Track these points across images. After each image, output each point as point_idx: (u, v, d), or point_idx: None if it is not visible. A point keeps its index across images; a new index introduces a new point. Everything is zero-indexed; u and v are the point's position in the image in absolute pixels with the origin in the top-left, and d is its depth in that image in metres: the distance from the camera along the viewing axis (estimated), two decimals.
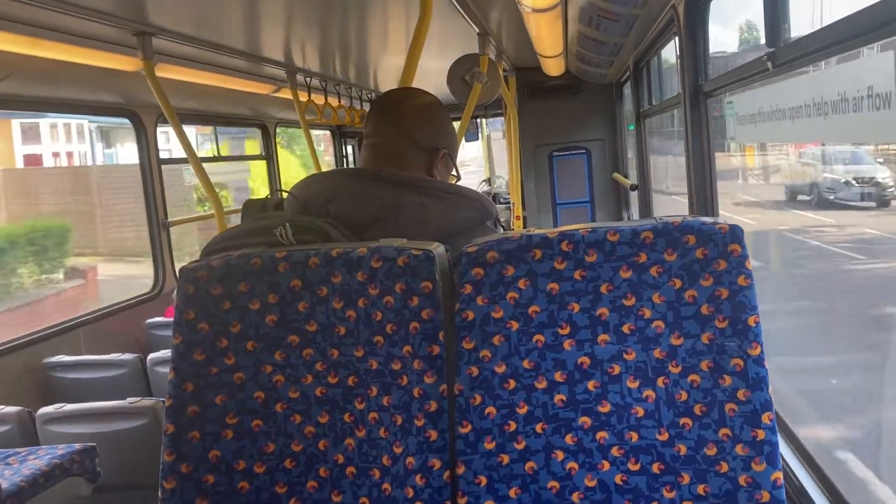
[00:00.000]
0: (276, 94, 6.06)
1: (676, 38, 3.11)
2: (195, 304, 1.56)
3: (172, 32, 3.68)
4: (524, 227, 6.90)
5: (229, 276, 1.55)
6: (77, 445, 2.77)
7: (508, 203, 8.81)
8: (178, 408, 1.54)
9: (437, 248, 1.53)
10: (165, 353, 3.77)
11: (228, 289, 1.55)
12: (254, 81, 5.53)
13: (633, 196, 6.31)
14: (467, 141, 11.52)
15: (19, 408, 3.05)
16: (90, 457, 2.78)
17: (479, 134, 11.52)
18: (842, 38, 1.55)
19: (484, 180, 11.82)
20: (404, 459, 1.49)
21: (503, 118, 7.87)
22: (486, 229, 1.77)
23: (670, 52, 4.17)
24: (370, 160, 1.82)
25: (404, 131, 1.82)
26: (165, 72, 4.24)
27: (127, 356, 3.85)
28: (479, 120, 10.01)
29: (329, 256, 1.52)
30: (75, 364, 3.90)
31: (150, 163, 5.09)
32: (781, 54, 1.89)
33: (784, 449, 2.13)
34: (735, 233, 1.43)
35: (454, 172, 1.95)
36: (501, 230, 1.80)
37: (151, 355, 3.84)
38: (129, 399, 2.93)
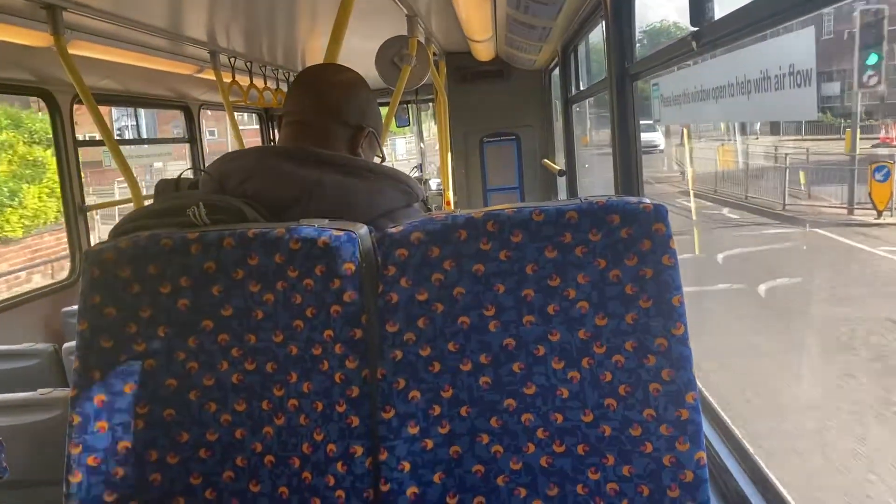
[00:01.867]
0: (200, 75, 5.87)
1: (603, 21, 3.11)
2: (101, 287, 1.47)
3: (84, 6, 3.50)
4: None
5: (138, 258, 1.47)
6: None
7: (440, 189, 8.80)
8: (84, 398, 1.46)
9: (360, 229, 1.48)
10: None
11: (137, 271, 1.47)
12: (175, 61, 5.34)
13: (562, 182, 6.37)
14: (398, 126, 11.45)
15: None
16: None
17: (410, 119, 11.45)
18: (764, 15, 1.56)
19: (415, 166, 11.78)
20: (325, 447, 1.44)
21: (433, 104, 7.84)
22: (412, 212, 1.73)
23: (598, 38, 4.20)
24: (290, 138, 1.76)
25: (328, 108, 1.76)
26: (80, 49, 4.04)
27: (41, 346, 3.68)
28: (408, 105, 9.95)
29: (245, 237, 1.46)
30: None
31: (66, 145, 4.87)
32: (706, 33, 1.90)
33: (707, 429, 2.15)
34: (659, 212, 1.42)
35: (378, 153, 1.90)
36: (427, 211, 1.76)
37: (67, 344, 3.68)
38: (40, 390, 2.79)
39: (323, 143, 1.73)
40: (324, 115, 1.75)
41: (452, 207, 6.65)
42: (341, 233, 1.45)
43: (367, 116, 1.81)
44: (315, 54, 6.02)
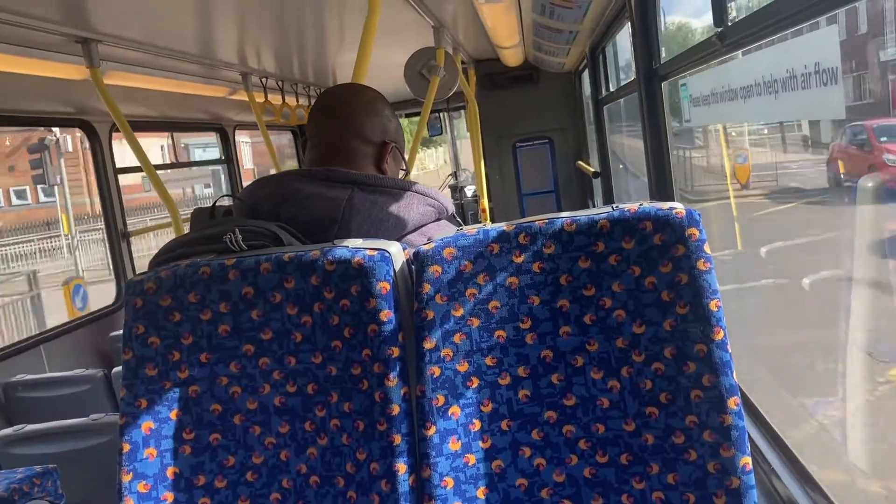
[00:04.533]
0: (233, 97, 5.97)
1: (629, 23, 3.10)
2: (144, 317, 1.51)
3: (118, 38, 3.60)
4: (491, 218, 6.89)
5: (178, 287, 1.50)
6: (37, 468, 2.69)
7: (475, 196, 8.78)
8: (133, 425, 1.50)
9: (393, 247, 1.49)
10: None
11: (178, 300, 1.50)
12: (208, 85, 5.44)
13: (598, 184, 6.33)
14: (430, 136, 11.47)
15: None
16: (51, 479, 2.71)
17: (442, 128, 11.48)
18: (787, 14, 1.54)
19: (450, 174, 11.81)
20: (368, 466, 1.46)
21: (465, 111, 7.86)
22: (442, 226, 1.74)
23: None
24: (317, 160, 1.78)
25: (351, 127, 1.78)
26: (115, 79, 4.15)
27: (91, 372, 3.77)
28: (440, 114, 9.98)
29: (281, 261, 1.48)
30: (37, 382, 3.81)
31: (107, 172, 4.99)
32: (729, 33, 1.89)
33: (753, 433, 2.13)
34: (692, 217, 1.41)
35: (403, 167, 1.92)
36: (459, 226, 1.77)
37: (116, 369, 3.76)
38: (92, 416, 2.86)
39: (349, 162, 1.75)
40: (347, 135, 1.78)
41: (488, 214, 6.65)
42: (375, 252, 1.46)
43: (389, 132, 1.83)
44: (345, 69, 6.07)
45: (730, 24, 1.88)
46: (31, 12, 2.96)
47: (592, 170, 6.20)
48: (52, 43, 3.41)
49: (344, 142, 1.77)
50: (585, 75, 6.28)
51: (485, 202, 6.58)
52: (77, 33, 3.35)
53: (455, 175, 11.76)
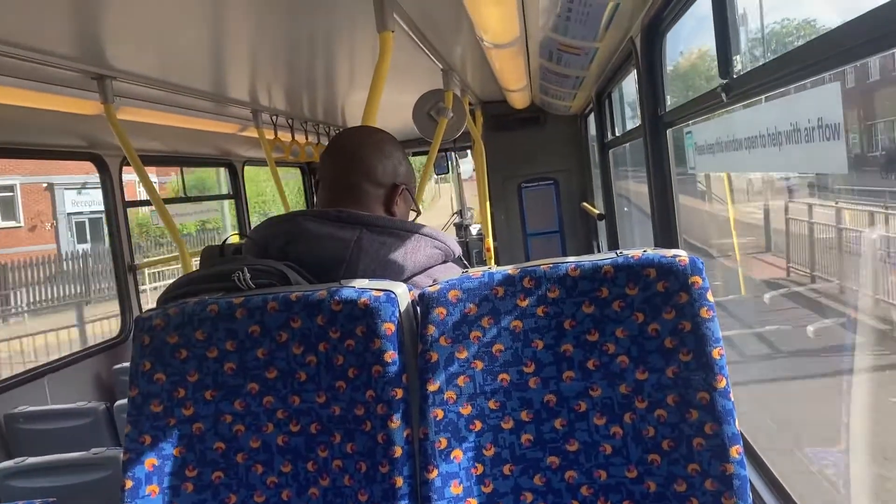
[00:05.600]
0: (243, 133, 6.03)
1: (635, 70, 3.15)
2: (151, 354, 1.52)
3: (132, 75, 3.66)
4: (496, 257, 6.90)
5: (186, 324, 1.52)
6: (37, 501, 2.67)
7: (480, 234, 8.80)
8: (136, 461, 1.50)
9: (399, 289, 1.51)
10: None
11: (185, 337, 1.52)
12: (219, 121, 5.50)
13: (602, 225, 6.36)
14: (437, 174, 11.55)
15: None
16: None
17: (449, 167, 11.55)
18: (790, 69, 1.58)
19: (455, 213, 11.85)
20: None
21: (471, 151, 7.92)
22: (449, 268, 1.76)
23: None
24: (328, 200, 1.81)
25: (362, 169, 1.81)
26: (128, 114, 4.20)
27: (93, 404, 3.76)
28: (448, 153, 10.06)
29: (288, 300, 1.50)
30: (39, 414, 3.80)
31: (116, 206, 5.03)
32: (734, 85, 1.92)
33: (755, 481, 2.11)
34: (695, 265, 1.42)
35: (413, 208, 1.95)
36: (465, 268, 1.78)
37: (119, 402, 3.76)
38: (93, 450, 2.86)
39: (359, 203, 1.78)
40: (358, 177, 1.81)
41: (493, 254, 6.67)
42: (381, 293, 1.47)
43: (400, 174, 1.86)
44: (355, 108, 6.16)
45: (735, 76, 1.91)
46: (50, 49, 3.02)
47: (597, 211, 6.24)
48: (69, 79, 3.47)
49: (354, 183, 1.80)
50: (591, 118, 6.34)
51: (490, 241, 6.61)
52: (93, 70, 3.41)
53: (460, 213, 11.82)
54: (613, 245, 5.64)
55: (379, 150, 1.85)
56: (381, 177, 1.82)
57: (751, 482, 1.45)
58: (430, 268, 1.72)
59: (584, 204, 7.22)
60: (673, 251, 1.46)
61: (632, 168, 5.82)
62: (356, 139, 1.89)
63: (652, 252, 1.46)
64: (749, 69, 1.82)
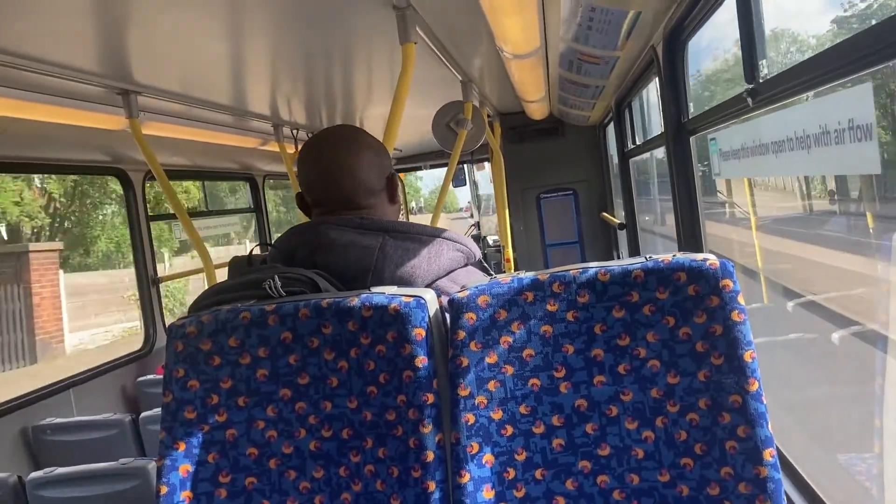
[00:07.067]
0: (264, 148, 6.08)
1: (657, 78, 3.15)
2: (185, 360, 1.54)
3: (157, 90, 3.71)
4: (515, 268, 6.90)
5: (219, 332, 1.53)
6: None
7: (496, 245, 8.81)
8: (170, 468, 1.52)
9: (428, 294, 1.52)
10: (158, 411, 3.72)
11: (218, 344, 1.53)
12: (241, 136, 5.55)
13: (623, 235, 6.34)
14: (455, 186, 11.57)
15: (8, 474, 2.99)
16: None
17: (466, 179, 11.58)
18: (818, 72, 1.57)
19: (473, 224, 11.87)
20: None
21: (489, 162, 7.94)
22: (470, 272, 1.77)
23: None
24: (331, 214, 1.80)
25: (361, 188, 1.76)
26: (152, 129, 4.25)
27: (119, 416, 3.79)
28: (464, 165, 10.08)
29: (319, 307, 1.51)
30: (66, 426, 3.84)
31: (139, 220, 5.09)
32: (760, 90, 1.92)
33: (787, 486, 2.10)
34: (726, 268, 1.42)
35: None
36: (489, 272, 1.79)
37: (144, 414, 3.79)
38: (122, 460, 2.88)
39: (370, 210, 1.79)
40: (360, 196, 1.78)
41: (513, 264, 6.67)
42: (410, 299, 1.49)
43: (384, 165, 1.84)
44: (374, 122, 6.19)
45: (761, 80, 1.91)
46: (77, 66, 3.07)
47: (618, 221, 6.23)
48: (94, 94, 3.52)
49: (360, 200, 1.79)
50: (610, 128, 6.34)
51: (509, 252, 6.61)
52: (119, 85, 3.46)
53: (478, 225, 11.84)
54: (635, 255, 5.62)
55: (363, 159, 1.80)
56: (377, 183, 1.81)
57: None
58: (452, 271, 1.73)
59: (604, 214, 7.21)
60: (703, 255, 1.46)
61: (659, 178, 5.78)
62: (338, 160, 1.80)
63: (682, 256, 1.46)
64: (776, 73, 1.82)
